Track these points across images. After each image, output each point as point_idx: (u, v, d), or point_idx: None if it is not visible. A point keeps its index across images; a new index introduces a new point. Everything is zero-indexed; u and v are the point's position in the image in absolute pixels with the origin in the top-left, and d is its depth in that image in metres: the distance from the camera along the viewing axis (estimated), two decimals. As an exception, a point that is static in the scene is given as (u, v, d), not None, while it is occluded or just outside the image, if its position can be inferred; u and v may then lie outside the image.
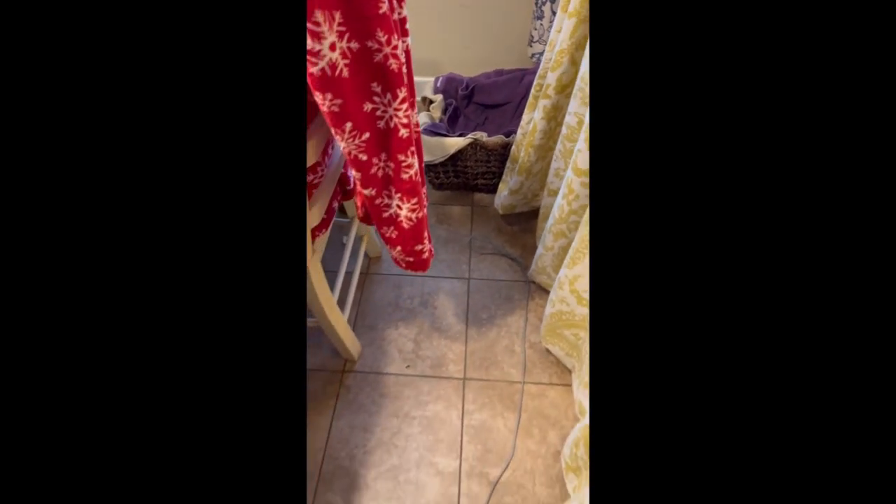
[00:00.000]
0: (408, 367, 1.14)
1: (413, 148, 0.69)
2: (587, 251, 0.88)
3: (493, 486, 0.97)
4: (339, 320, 1.03)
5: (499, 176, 1.40)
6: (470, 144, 1.33)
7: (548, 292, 1.23)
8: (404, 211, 0.77)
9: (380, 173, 0.71)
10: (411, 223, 0.78)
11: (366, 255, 1.33)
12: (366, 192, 0.73)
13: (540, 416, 1.06)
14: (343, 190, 0.99)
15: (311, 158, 0.74)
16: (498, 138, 1.32)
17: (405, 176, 0.71)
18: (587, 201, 0.93)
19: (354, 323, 1.22)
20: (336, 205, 0.94)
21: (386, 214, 0.78)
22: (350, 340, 1.11)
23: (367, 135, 0.64)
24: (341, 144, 0.65)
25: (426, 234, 0.85)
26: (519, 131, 1.22)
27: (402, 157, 0.69)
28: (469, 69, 1.56)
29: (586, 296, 0.95)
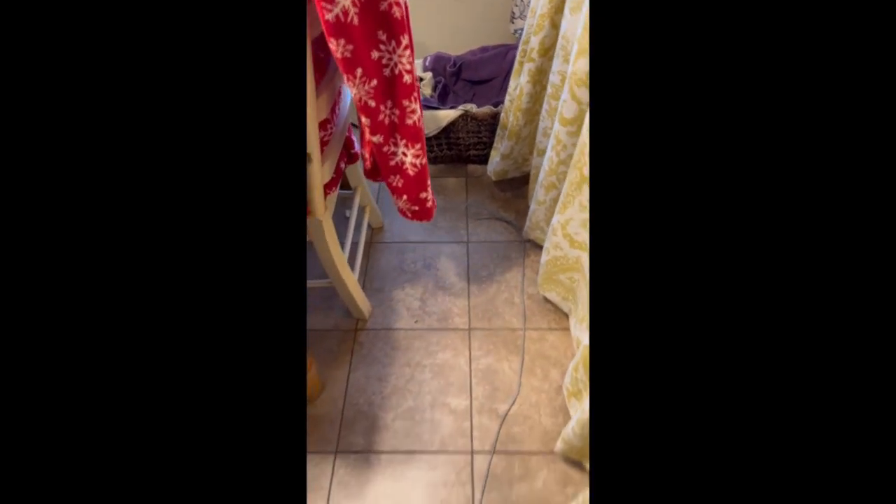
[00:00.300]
0: (416, 321, 1.22)
1: (416, 94, 0.77)
2: (576, 193, 0.97)
3: (503, 418, 1.04)
4: (350, 277, 1.10)
5: (490, 146, 1.48)
6: (461, 116, 1.41)
7: (542, 248, 1.31)
8: (409, 157, 0.84)
9: (386, 121, 0.79)
10: (416, 169, 0.86)
11: (369, 226, 1.41)
12: (374, 139, 0.80)
13: (541, 357, 1.14)
14: (347, 153, 1.07)
15: (322, 114, 0.82)
16: (487, 108, 1.41)
17: (409, 121, 0.79)
18: (574, 150, 1.02)
19: (363, 287, 1.29)
20: (343, 165, 1.02)
21: (392, 162, 0.86)
22: (361, 299, 1.18)
23: (374, 81, 0.72)
24: (352, 91, 0.72)
25: (429, 184, 0.92)
26: (506, 98, 1.31)
27: (406, 103, 0.77)
28: (455, 48, 1.64)
29: (578, 238, 1.03)
